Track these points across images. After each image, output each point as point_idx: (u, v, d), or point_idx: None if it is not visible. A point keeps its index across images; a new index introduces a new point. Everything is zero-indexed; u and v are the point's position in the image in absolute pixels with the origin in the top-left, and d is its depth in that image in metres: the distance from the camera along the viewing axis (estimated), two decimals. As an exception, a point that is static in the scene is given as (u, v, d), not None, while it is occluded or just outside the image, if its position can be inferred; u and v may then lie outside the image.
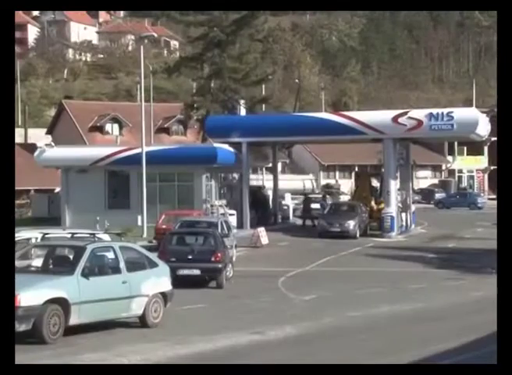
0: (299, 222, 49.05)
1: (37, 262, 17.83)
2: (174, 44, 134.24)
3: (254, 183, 51.10)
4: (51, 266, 17.06)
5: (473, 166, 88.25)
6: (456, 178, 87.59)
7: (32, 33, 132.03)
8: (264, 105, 63.39)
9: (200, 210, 41.23)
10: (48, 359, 13.76)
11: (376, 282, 26.31)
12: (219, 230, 29.37)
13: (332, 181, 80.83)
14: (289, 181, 61.99)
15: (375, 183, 49.71)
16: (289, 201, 54.64)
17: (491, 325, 12.96)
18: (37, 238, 20.60)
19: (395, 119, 42.19)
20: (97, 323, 16.57)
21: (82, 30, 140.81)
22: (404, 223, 44.89)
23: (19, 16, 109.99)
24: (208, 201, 44.23)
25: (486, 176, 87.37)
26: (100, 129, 71.03)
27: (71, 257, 16.85)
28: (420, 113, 42.58)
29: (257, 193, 48.29)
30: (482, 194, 78.09)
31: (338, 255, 34.25)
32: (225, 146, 44.81)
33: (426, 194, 76.11)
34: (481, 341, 15.63)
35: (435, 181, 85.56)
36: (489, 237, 35.09)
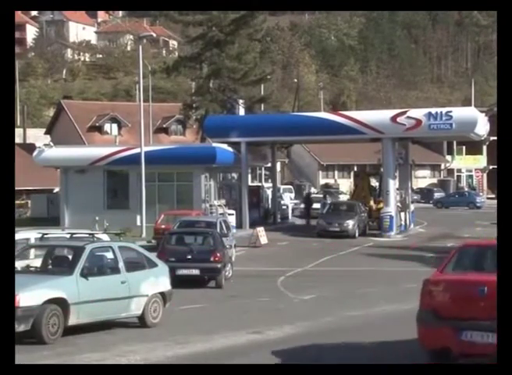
0: (298, 222, 49.06)
1: (36, 263, 17.83)
2: (173, 43, 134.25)
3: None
4: (50, 267, 17.05)
5: (472, 166, 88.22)
6: (455, 177, 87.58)
7: (31, 33, 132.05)
8: (262, 105, 63.36)
9: (199, 210, 41.22)
10: (47, 359, 13.75)
11: (375, 281, 26.31)
12: (218, 229, 29.36)
13: (331, 181, 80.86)
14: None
15: (374, 182, 49.76)
16: (287, 201, 54.66)
17: (490, 324, 12.96)
18: (36, 238, 20.57)
19: (394, 118, 42.18)
20: (97, 323, 16.55)
21: (80, 29, 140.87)
22: (403, 223, 44.91)
23: (18, 15, 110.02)
24: (207, 201, 44.22)
25: (485, 175, 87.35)
26: (99, 129, 70.96)
27: (70, 257, 16.80)
28: (419, 113, 42.56)
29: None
30: (481, 194, 78.08)
31: (337, 255, 34.26)
32: (224, 146, 44.80)
33: (425, 194, 76.25)
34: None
35: (434, 181, 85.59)
36: (488, 236, 35.08)
